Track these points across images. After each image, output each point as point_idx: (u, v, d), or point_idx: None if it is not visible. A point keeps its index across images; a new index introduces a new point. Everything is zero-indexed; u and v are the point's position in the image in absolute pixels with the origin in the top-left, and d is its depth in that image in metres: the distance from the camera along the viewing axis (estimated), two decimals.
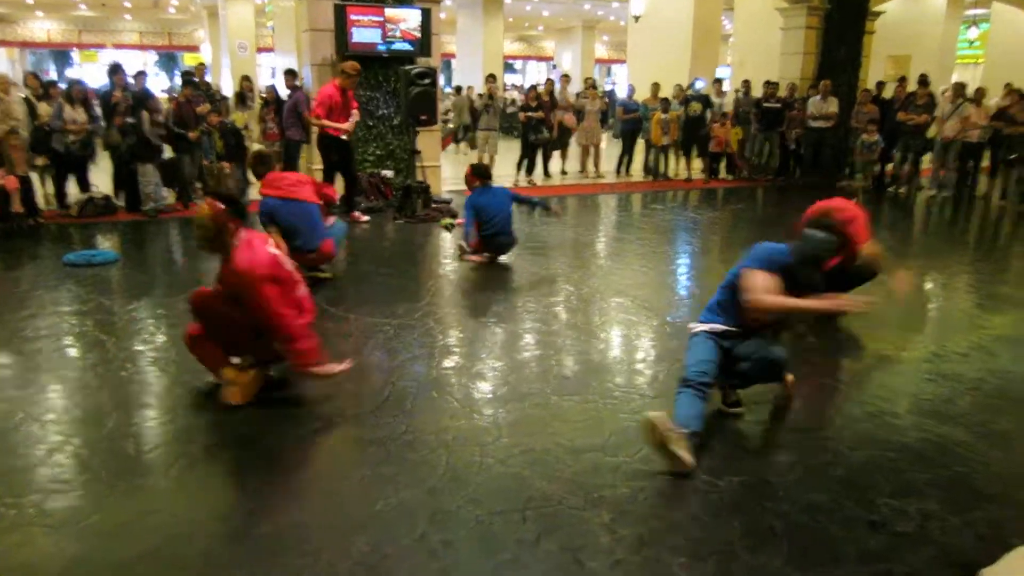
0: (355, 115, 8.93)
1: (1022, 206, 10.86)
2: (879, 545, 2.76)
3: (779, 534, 2.82)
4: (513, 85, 28.43)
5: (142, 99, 9.12)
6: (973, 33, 21.84)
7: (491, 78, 13.90)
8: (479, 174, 7.01)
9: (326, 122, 8.56)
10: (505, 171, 12.62)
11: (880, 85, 13.25)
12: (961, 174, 11.76)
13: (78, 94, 8.91)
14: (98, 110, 9.29)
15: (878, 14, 14.40)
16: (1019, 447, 3.60)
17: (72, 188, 9.26)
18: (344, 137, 8.87)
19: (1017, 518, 2.99)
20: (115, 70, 9.63)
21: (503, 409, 3.89)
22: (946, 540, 2.79)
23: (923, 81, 12.04)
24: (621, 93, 19.03)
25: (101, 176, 9.67)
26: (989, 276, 7.09)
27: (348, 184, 9.10)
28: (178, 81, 10.16)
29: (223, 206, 3.80)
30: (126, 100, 9.04)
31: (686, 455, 3.21)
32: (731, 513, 2.96)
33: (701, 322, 3.74)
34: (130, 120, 8.89)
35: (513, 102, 21.20)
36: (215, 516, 2.99)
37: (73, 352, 4.71)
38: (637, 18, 17.25)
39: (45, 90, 9.42)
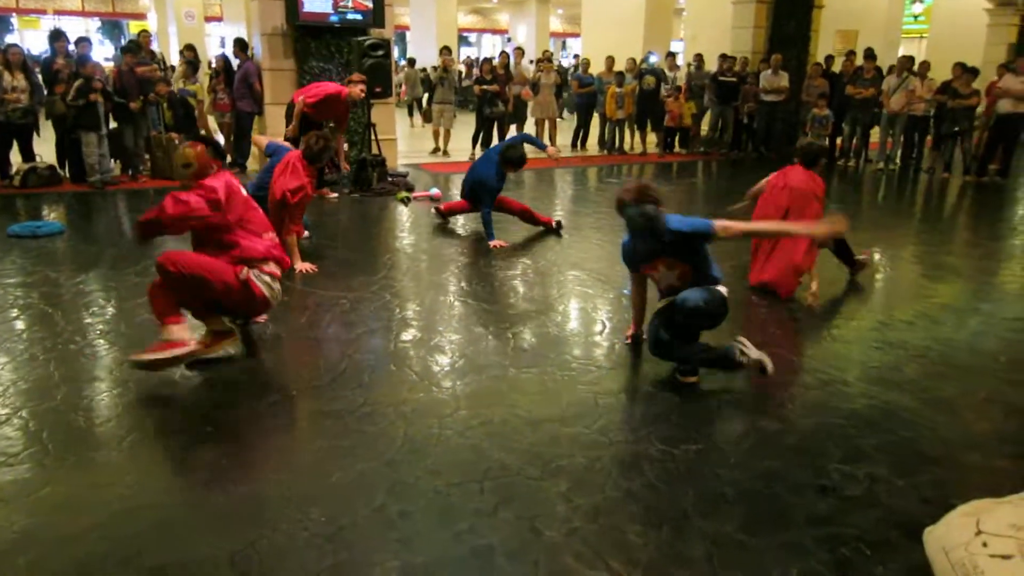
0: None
1: (966, 178, 11.14)
2: (828, 509, 2.83)
3: (732, 500, 2.87)
4: (467, 58, 28.14)
5: (80, 64, 8.84)
6: (918, 8, 22.21)
7: (446, 50, 13.76)
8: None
9: (294, 120, 7.88)
10: (461, 145, 12.55)
11: (829, 59, 13.41)
12: (907, 147, 12.00)
13: (15, 58, 8.55)
14: (39, 77, 9.00)
15: None
16: (962, 412, 3.71)
17: (15, 158, 8.98)
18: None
19: (959, 480, 3.10)
20: (57, 36, 9.34)
21: (461, 381, 3.89)
22: (892, 502, 2.88)
23: (870, 55, 12.22)
24: None
25: (45, 146, 9.39)
26: (934, 247, 7.26)
27: None
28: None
29: (205, 146, 4.07)
30: (68, 67, 8.76)
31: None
32: (685, 481, 3.00)
33: None
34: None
35: (469, 75, 21.02)
36: (169, 488, 2.95)
37: (19, 325, 4.59)
38: None
39: None
